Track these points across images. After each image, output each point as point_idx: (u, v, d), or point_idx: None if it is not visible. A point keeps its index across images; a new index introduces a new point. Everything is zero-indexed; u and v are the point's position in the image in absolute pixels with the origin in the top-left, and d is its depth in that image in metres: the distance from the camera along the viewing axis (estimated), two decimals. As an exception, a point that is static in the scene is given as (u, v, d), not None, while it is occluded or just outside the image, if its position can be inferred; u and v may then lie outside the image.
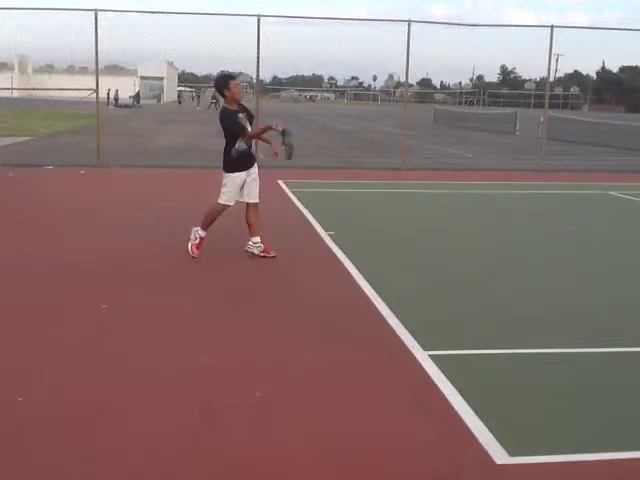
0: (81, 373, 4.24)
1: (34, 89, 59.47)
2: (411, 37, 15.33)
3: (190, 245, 7.06)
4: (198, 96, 70.56)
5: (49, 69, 69.50)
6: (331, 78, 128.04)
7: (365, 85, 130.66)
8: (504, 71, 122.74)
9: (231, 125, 6.82)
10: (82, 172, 13.85)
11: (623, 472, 3.31)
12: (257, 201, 7.08)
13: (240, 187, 6.94)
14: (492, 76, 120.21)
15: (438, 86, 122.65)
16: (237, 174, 6.90)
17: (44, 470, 3.17)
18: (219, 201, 7.03)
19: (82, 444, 3.39)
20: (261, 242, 7.07)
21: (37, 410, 3.74)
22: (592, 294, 6.36)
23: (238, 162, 6.88)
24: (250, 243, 7.11)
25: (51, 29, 17.60)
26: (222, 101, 7.08)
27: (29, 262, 6.86)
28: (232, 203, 7.05)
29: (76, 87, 16.67)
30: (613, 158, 20.35)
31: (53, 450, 3.33)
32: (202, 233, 7.07)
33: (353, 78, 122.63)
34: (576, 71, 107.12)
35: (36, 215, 9.38)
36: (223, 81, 6.91)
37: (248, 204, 7.04)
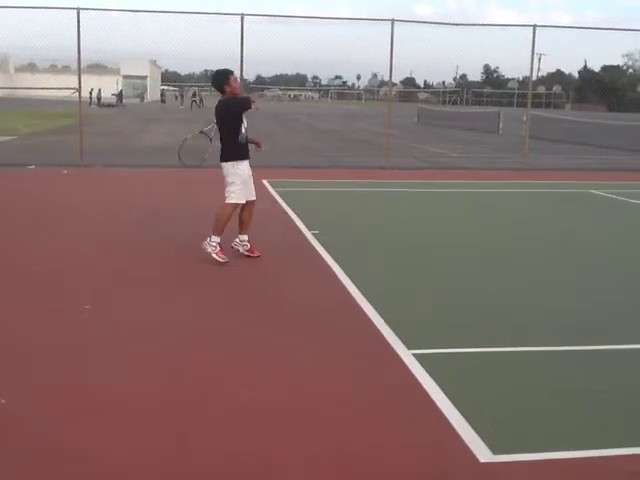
0: (68, 373, 4.21)
1: (16, 88, 59.03)
2: (395, 36, 15.39)
3: (214, 256, 6.71)
4: (182, 95, 70.27)
5: (31, 68, 69.00)
6: (315, 77, 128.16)
7: (349, 84, 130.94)
8: (487, 70, 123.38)
9: (241, 103, 6.79)
10: (65, 172, 13.76)
11: (609, 469, 3.33)
12: (255, 199, 7.07)
13: (245, 182, 6.86)
14: (475, 75, 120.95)
15: (422, 85, 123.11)
16: (243, 164, 6.80)
17: (32, 470, 3.15)
18: (228, 201, 6.79)
19: (70, 444, 3.37)
20: (248, 241, 7.06)
21: (23, 410, 3.71)
22: (574, 292, 6.40)
23: (243, 149, 6.82)
24: (237, 240, 7.09)
25: (33, 28, 17.49)
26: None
27: (12, 260, 6.81)
28: (243, 201, 6.85)
29: (58, 86, 16.54)
30: (595, 157, 20.50)
31: (40, 451, 3.31)
32: (217, 239, 6.76)
33: (337, 77, 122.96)
34: (558, 70, 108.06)
35: (17, 215, 9.30)
36: (224, 76, 6.78)
37: (246, 201, 6.96)
